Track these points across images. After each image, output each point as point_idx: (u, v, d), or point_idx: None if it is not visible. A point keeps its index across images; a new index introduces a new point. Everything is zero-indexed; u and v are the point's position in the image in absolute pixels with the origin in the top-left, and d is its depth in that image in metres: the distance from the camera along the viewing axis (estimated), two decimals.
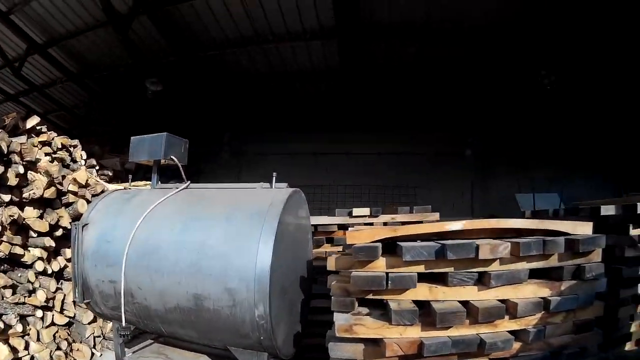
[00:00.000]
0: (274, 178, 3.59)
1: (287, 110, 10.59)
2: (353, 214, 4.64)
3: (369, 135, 11.12)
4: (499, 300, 2.70)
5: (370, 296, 2.75)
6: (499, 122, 10.85)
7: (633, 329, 3.58)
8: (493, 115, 10.71)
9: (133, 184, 5.12)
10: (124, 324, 3.44)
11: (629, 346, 3.60)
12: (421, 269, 2.67)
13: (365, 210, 4.64)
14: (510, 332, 2.71)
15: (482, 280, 2.69)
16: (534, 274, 2.87)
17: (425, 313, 2.66)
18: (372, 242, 2.73)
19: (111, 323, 4.38)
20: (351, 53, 8.23)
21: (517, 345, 2.72)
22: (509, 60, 8.60)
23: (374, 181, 10.96)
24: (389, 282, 2.62)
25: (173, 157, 3.82)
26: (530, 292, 2.75)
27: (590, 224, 2.96)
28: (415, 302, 2.70)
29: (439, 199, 10.55)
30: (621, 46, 7.88)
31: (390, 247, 2.80)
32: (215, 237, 3.10)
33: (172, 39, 8.34)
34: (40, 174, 4.80)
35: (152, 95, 9.37)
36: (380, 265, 2.70)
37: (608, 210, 3.58)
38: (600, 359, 3.02)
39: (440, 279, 2.73)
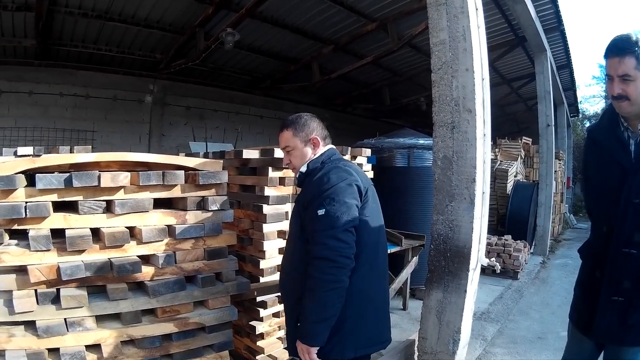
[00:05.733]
0: None
1: None
2: (18, 154, 4.71)
3: (53, 75, 11.01)
4: (126, 227, 3.10)
5: (15, 226, 2.91)
6: (179, 72, 11.70)
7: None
8: (174, 61, 11.39)
9: None
10: None
11: None
12: (55, 197, 2.92)
13: (29, 150, 4.76)
14: (140, 256, 3.14)
15: (110, 209, 3.08)
16: (166, 206, 3.38)
17: (62, 241, 2.92)
18: (15, 173, 2.89)
19: None
20: None
21: (150, 269, 3.15)
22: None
23: (54, 124, 10.95)
24: (27, 210, 2.82)
25: None
26: (155, 220, 3.22)
27: (220, 161, 3.53)
28: (56, 231, 2.94)
29: (117, 143, 11.35)
30: None
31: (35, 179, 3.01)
32: None
33: None
34: None
35: None
36: (20, 195, 2.87)
37: (250, 154, 4.29)
38: (240, 283, 3.59)
39: (74, 209, 3.04)
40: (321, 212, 2.48)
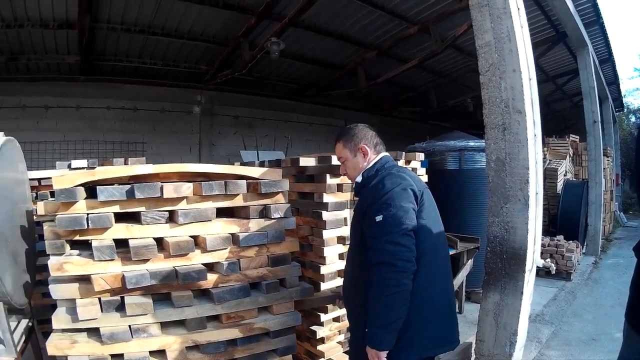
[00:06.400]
0: None
1: (16, 60, 9.88)
2: (72, 167, 4.82)
3: (99, 90, 11.23)
4: (190, 236, 3.15)
5: (77, 237, 2.98)
6: (225, 82, 11.86)
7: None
8: (219, 72, 11.49)
9: None
10: None
11: None
12: (117, 208, 3.00)
13: (83, 163, 4.85)
14: (205, 264, 3.18)
15: (173, 219, 3.14)
16: (228, 215, 3.43)
17: (125, 250, 2.98)
18: (75, 186, 2.97)
19: None
20: None
21: (214, 276, 3.20)
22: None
23: (103, 137, 11.17)
24: (89, 222, 2.88)
25: None
26: (219, 228, 3.27)
27: (280, 170, 3.59)
28: (118, 241, 3.00)
29: (167, 154, 11.51)
30: None
31: (94, 191, 3.06)
32: None
33: None
34: None
35: None
36: (81, 207, 2.95)
37: (307, 162, 4.34)
38: (304, 289, 3.60)
39: (136, 219, 3.10)
40: (379, 218, 2.50)
